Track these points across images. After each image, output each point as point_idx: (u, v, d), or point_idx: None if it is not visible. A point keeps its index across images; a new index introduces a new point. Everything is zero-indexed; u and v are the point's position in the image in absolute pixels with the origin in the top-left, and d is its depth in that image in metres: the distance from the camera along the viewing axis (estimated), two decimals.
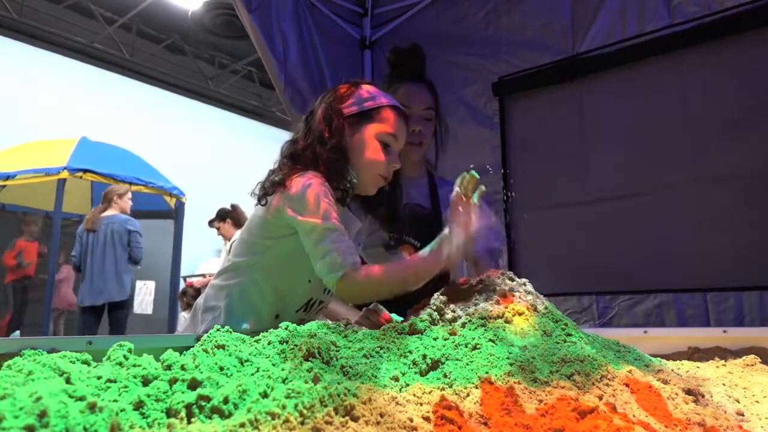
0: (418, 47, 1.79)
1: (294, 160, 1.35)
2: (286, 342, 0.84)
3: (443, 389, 0.69)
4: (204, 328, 1.36)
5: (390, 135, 1.38)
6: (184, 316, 5.82)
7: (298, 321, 1.40)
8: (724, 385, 0.93)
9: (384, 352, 0.83)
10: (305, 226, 1.23)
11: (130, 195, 5.34)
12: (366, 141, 1.36)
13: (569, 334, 0.89)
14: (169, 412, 0.56)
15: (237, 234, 3.10)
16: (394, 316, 1.29)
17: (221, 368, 0.71)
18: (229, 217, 5.22)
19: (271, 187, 1.31)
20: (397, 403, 0.64)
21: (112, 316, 5.05)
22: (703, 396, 0.78)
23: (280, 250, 1.33)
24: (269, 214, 1.31)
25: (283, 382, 0.64)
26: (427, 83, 1.76)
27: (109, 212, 5.16)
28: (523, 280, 1.05)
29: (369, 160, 1.36)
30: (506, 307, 0.93)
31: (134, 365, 0.69)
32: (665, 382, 0.79)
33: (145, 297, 6.34)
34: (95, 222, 5.09)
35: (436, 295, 1.05)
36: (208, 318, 1.40)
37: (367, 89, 1.42)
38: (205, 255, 7.06)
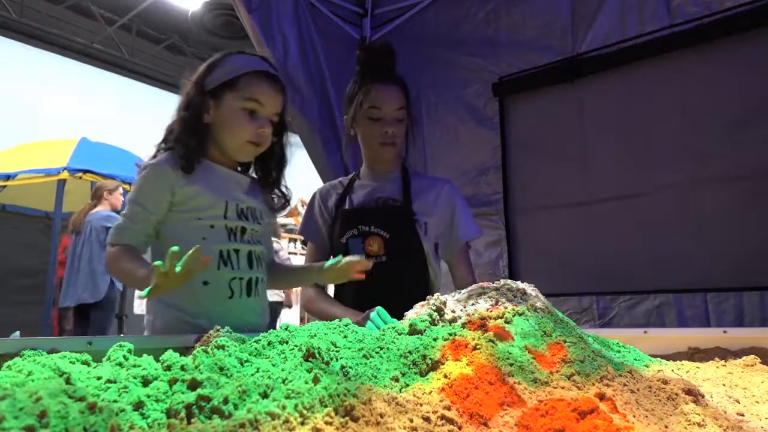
0: (389, 45, 1.79)
1: (162, 139, 1.45)
2: (286, 342, 0.84)
3: (443, 389, 0.69)
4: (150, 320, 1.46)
5: (253, 101, 1.40)
6: None
7: (246, 280, 1.43)
8: (724, 385, 0.93)
9: (384, 352, 0.83)
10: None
11: (121, 191, 5.23)
12: (227, 111, 1.40)
13: (569, 335, 0.89)
14: (169, 413, 0.56)
15: None
16: (391, 319, 1.28)
17: (221, 368, 0.71)
18: None
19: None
20: (397, 404, 0.64)
21: (89, 318, 4.94)
22: (703, 396, 0.78)
23: (162, 234, 1.40)
24: None
25: (283, 382, 0.64)
26: (399, 82, 1.75)
27: (98, 209, 5.06)
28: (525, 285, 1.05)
29: (231, 129, 1.40)
30: (506, 308, 0.93)
31: (134, 366, 0.69)
32: (665, 382, 0.79)
33: None
34: (77, 223, 4.99)
35: (436, 295, 1.05)
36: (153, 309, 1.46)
37: (231, 59, 1.44)
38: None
